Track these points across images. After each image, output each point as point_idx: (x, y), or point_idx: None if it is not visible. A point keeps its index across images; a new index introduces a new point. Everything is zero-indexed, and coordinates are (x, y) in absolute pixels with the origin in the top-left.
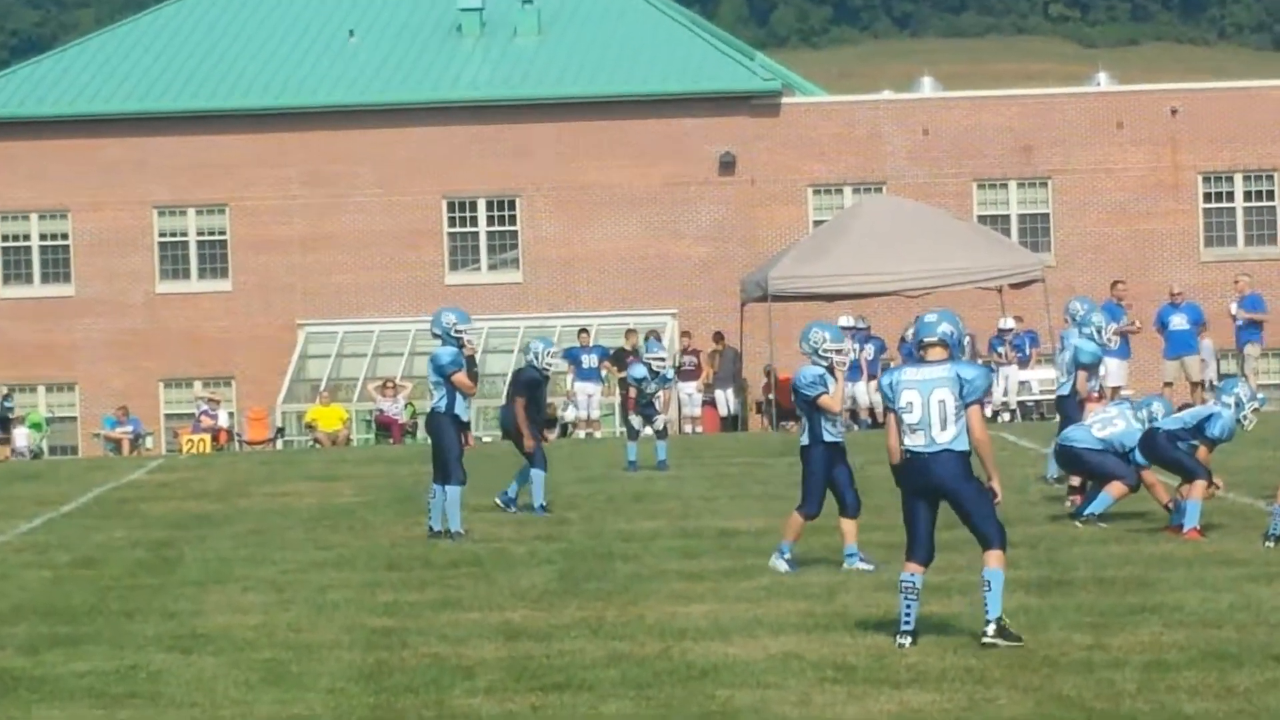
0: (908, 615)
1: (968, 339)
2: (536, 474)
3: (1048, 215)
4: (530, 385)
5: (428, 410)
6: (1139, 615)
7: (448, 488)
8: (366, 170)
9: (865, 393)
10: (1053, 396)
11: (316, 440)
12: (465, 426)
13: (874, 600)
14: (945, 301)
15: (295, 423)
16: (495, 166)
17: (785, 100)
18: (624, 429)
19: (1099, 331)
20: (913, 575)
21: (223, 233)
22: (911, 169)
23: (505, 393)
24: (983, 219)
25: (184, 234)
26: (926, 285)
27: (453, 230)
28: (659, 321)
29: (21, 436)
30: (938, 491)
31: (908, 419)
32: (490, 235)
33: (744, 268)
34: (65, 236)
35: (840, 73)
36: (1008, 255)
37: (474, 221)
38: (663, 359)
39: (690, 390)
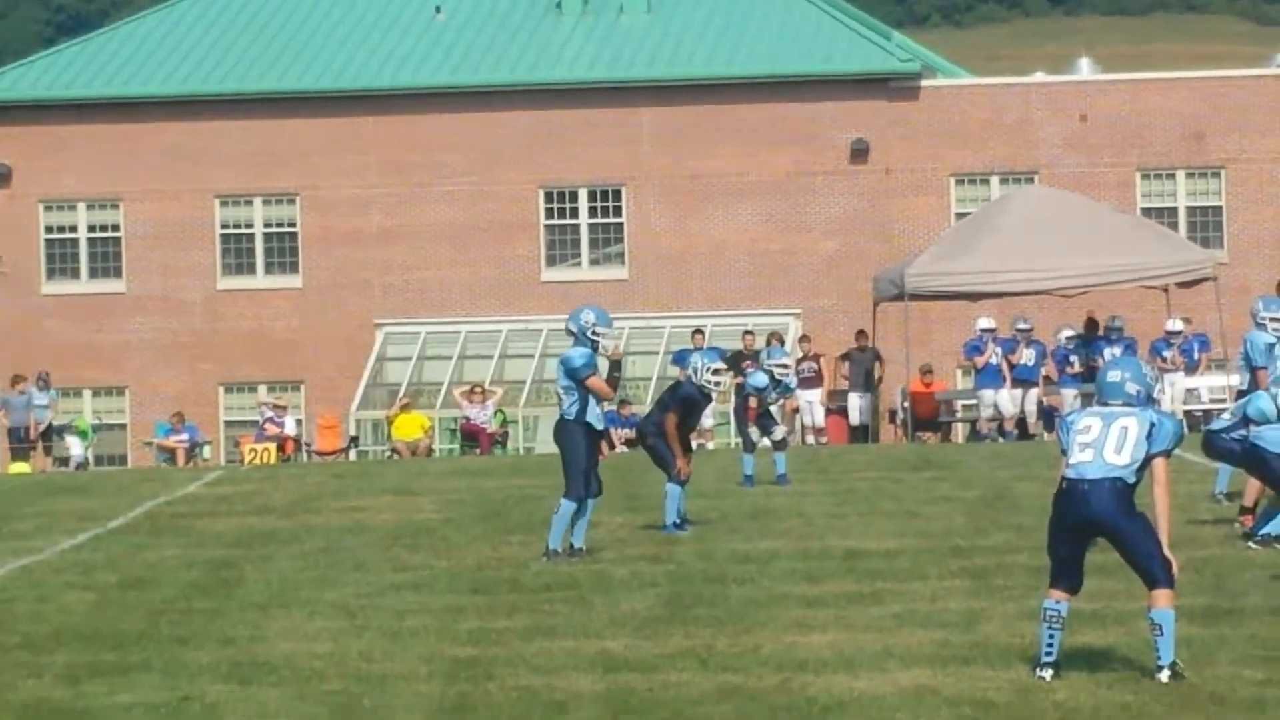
0: (1050, 645)
1: (1158, 387)
2: (673, 489)
3: (1220, 208)
4: (686, 403)
5: (556, 418)
6: None
7: (562, 500)
8: (454, 158)
9: (1009, 401)
10: (1224, 406)
11: (395, 450)
12: (600, 435)
13: (1019, 630)
14: (1105, 301)
15: (371, 431)
16: (598, 154)
17: (925, 83)
18: (739, 440)
19: (1274, 322)
20: (1057, 603)
21: (292, 224)
22: (1067, 157)
23: (656, 403)
24: (1147, 212)
25: (249, 225)
26: (1083, 284)
27: (550, 223)
28: (780, 322)
29: (75, 445)
30: (1096, 525)
31: (1081, 438)
32: (592, 228)
33: (877, 264)
34: (116, 228)
35: (988, 54)
36: (1175, 251)
37: (574, 213)
38: (786, 366)
39: (812, 398)
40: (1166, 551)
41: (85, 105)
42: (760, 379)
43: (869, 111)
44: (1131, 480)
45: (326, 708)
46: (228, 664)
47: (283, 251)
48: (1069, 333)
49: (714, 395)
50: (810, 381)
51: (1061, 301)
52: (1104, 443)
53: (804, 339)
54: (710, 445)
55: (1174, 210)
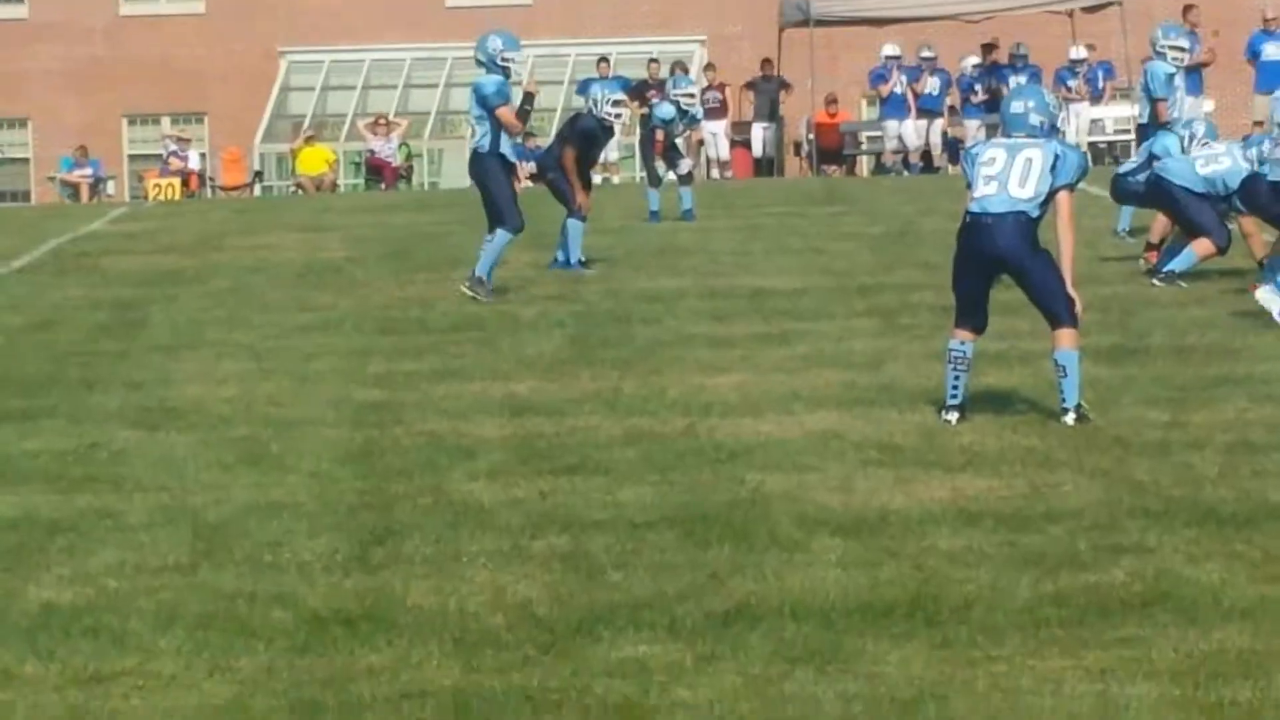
0: (955, 387)
1: (1062, 116)
2: (575, 225)
3: None
4: (586, 137)
5: (469, 151)
6: (1222, 388)
7: (500, 230)
8: None
9: (914, 133)
10: (1129, 137)
11: (299, 185)
12: (512, 167)
13: (927, 371)
14: (1009, 27)
15: (275, 165)
16: None
17: None
18: (644, 175)
19: (1174, 51)
20: (962, 344)
21: None
22: None
23: (555, 136)
24: None
25: None
26: (988, 8)
27: None
28: (685, 50)
29: None
30: (1000, 261)
31: (985, 170)
32: None
33: None
34: None
35: None
36: None
37: None
38: (692, 96)
39: (716, 130)
40: (1070, 289)
41: None
42: (666, 110)
43: None
44: (1035, 214)
45: (234, 453)
46: (135, 409)
47: None
48: (974, 60)
49: (615, 128)
50: (715, 112)
51: (967, 28)
52: (1008, 175)
53: (709, 67)
54: (615, 180)
55: None
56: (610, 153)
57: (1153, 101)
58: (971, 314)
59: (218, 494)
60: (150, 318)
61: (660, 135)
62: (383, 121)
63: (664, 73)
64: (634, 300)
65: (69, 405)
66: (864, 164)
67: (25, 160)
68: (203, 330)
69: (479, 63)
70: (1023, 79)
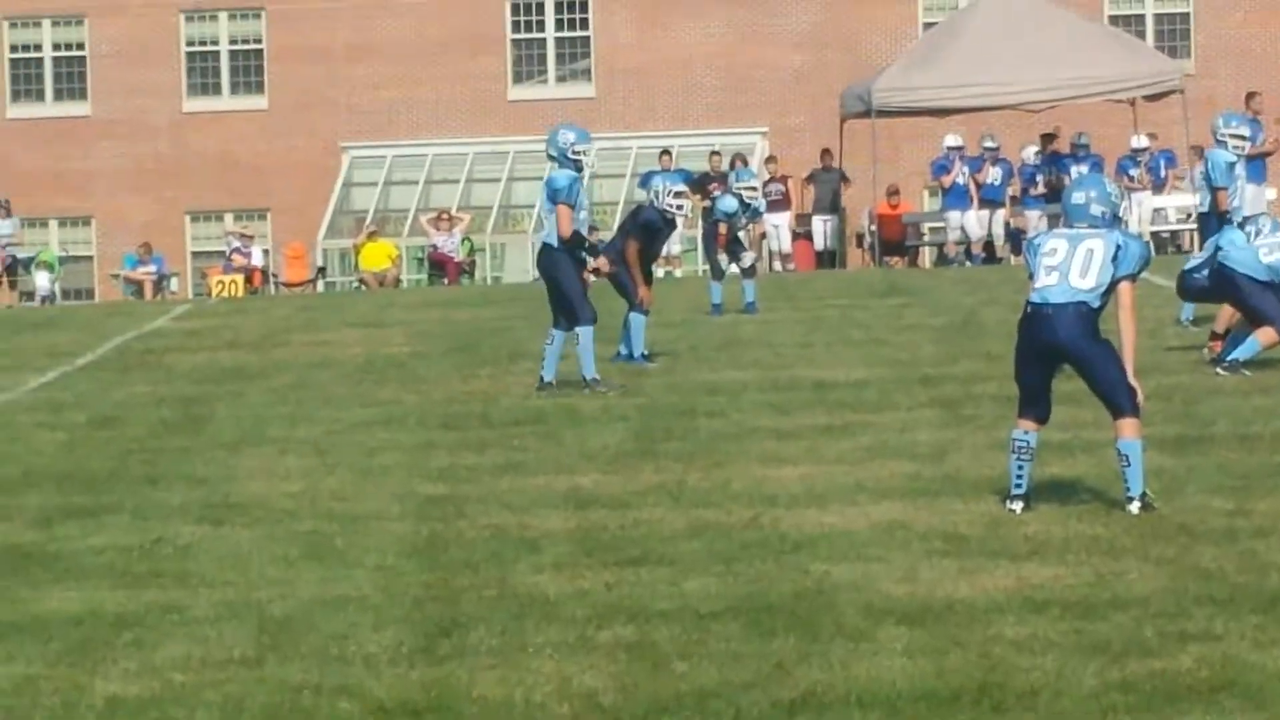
0: (1019, 477)
1: (1124, 205)
2: (637, 319)
3: (1188, 15)
4: (648, 229)
5: (539, 244)
6: None
7: (579, 329)
8: None
9: (976, 223)
10: (1192, 226)
11: (362, 281)
12: (582, 261)
13: (990, 461)
14: (1071, 116)
15: (339, 261)
16: None
17: None
18: (707, 268)
19: (1235, 139)
20: (1025, 434)
21: (258, 40)
22: None
23: (618, 229)
24: (1114, 20)
25: (215, 42)
26: (1049, 98)
27: (516, 36)
28: (747, 141)
29: (42, 278)
30: (1062, 351)
31: (1047, 261)
32: (559, 42)
33: (844, 78)
34: (81, 46)
35: None
36: (1143, 61)
37: (541, 26)
38: (754, 188)
39: (779, 222)
40: (1132, 379)
41: None
42: (729, 203)
43: None
44: (1097, 305)
45: (299, 548)
46: (199, 504)
47: (248, 70)
48: (1035, 150)
49: (678, 220)
50: (777, 204)
51: (1028, 118)
52: (1069, 266)
53: (770, 159)
54: (678, 273)
55: (1141, 18)
56: (673, 246)
57: (1213, 190)
58: (1035, 404)
59: (283, 588)
60: (214, 414)
61: (723, 228)
62: (445, 216)
63: (726, 165)
64: (697, 393)
65: (134, 501)
66: (926, 255)
67: (89, 258)
68: (266, 426)
69: (550, 157)
70: (1084, 168)
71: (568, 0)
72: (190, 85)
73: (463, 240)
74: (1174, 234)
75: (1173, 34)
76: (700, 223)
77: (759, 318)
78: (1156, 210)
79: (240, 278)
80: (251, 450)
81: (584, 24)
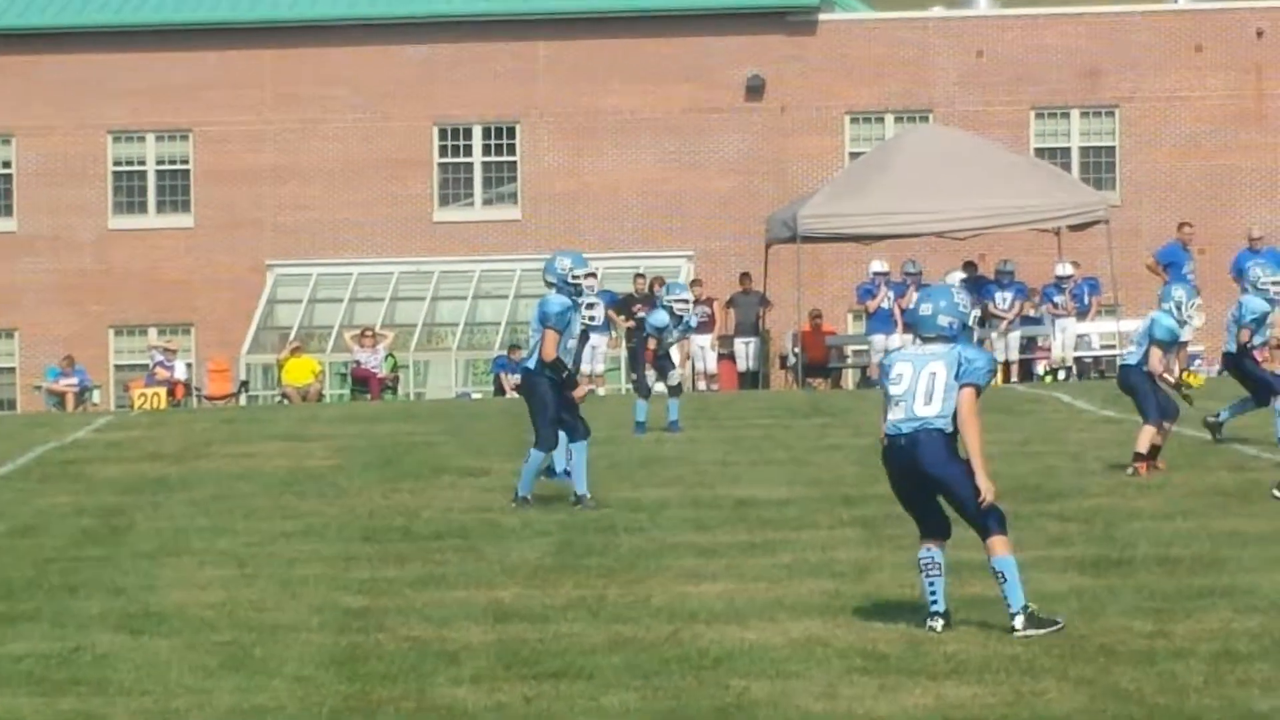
0: (933, 594)
1: (975, 314)
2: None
3: (1114, 149)
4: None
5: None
6: (1206, 599)
7: (532, 450)
8: (346, 92)
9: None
10: (1114, 352)
11: (285, 395)
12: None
13: (911, 580)
14: (998, 245)
15: (262, 375)
16: (492, 89)
17: (822, 17)
18: (631, 385)
19: (1178, 308)
20: (929, 550)
21: (185, 161)
22: (962, 95)
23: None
24: (1040, 152)
25: (142, 162)
26: (975, 226)
27: (444, 160)
28: (673, 265)
29: None
30: (922, 476)
31: (893, 390)
32: (486, 166)
33: (772, 204)
34: (8, 165)
35: None
36: (1068, 193)
37: (468, 151)
38: (686, 301)
39: (703, 343)
40: (981, 480)
41: None
42: (660, 317)
43: (765, 46)
44: (949, 429)
45: (217, 658)
46: (118, 614)
47: (174, 190)
48: (961, 275)
49: (590, 332)
50: (703, 326)
51: (954, 244)
52: (914, 394)
53: (695, 282)
54: (601, 391)
55: (1067, 150)
56: (597, 364)
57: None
58: (929, 525)
59: (201, 698)
60: (134, 524)
61: (652, 344)
62: (369, 333)
63: (648, 287)
64: (619, 509)
65: (52, 609)
66: (850, 376)
67: (11, 369)
68: (187, 537)
69: (549, 283)
70: (1009, 295)
71: (495, 126)
72: (116, 204)
73: (386, 356)
74: (1097, 359)
75: (1098, 166)
76: (624, 342)
77: (682, 436)
78: (1080, 336)
79: (163, 390)
80: (171, 560)
81: (511, 149)
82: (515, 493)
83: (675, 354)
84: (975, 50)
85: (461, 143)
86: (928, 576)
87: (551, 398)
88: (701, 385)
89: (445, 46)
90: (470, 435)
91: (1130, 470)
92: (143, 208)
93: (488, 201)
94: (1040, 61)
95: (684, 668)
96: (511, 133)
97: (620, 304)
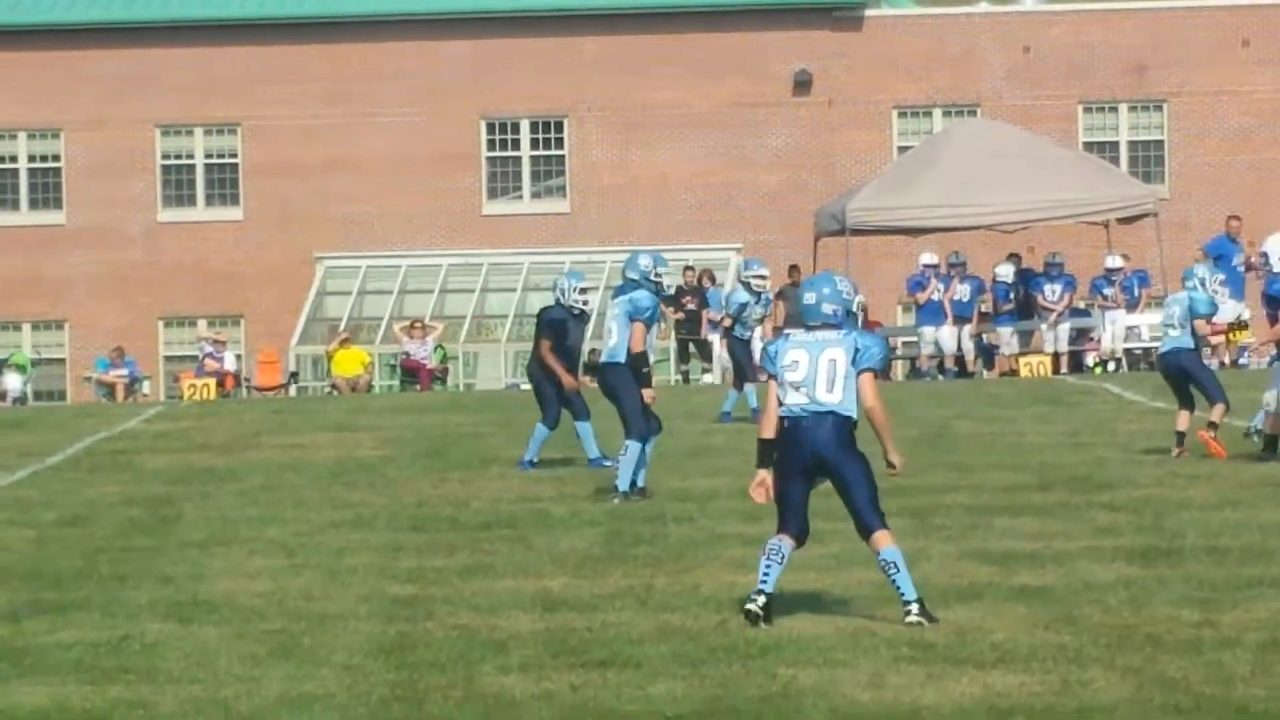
0: (765, 576)
1: (858, 301)
2: (583, 426)
3: (1162, 142)
4: (554, 325)
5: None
6: (1255, 589)
7: (628, 441)
8: (395, 87)
9: (951, 339)
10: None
11: (334, 386)
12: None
13: (959, 570)
14: (1045, 237)
15: (311, 367)
16: (540, 84)
17: (869, 12)
18: (694, 372)
19: (1202, 284)
20: (780, 542)
21: (233, 155)
22: (1010, 90)
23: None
24: (1089, 146)
25: (190, 156)
26: (1024, 219)
27: (492, 154)
28: (721, 258)
29: (13, 380)
30: (819, 460)
31: (790, 377)
32: (534, 160)
33: (819, 198)
34: (57, 159)
35: None
36: (1116, 186)
37: (516, 145)
38: (764, 276)
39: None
40: (894, 454)
41: (24, 32)
42: (741, 295)
43: (812, 41)
44: (854, 416)
45: (266, 646)
46: (167, 602)
47: (223, 183)
48: (1011, 267)
49: (587, 315)
50: None
51: (1003, 237)
52: (814, 380)
53: None
54: None
55: (1115, 145)
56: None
57: None
58: (794, 519)
59: (249, 686)
60: (183, 514)
61: (727, 322)
62: (418, 325)
63: (697, 280)
64: (667, 499)
65: (102, 598)
66: (899, 368)
67: (62, 360)
68: (236, 527)
69: (631, 280)
70: (1058, 287)
71: (543, 120)
72: (165, 197)
73: (435, 348)
74: (1147, 351)
75: (1147, 160)
76: (673, 334)
77: (732, 426)
78: (1130, 328)
79: (212, 381)
80: (220, 550)
81: (559, 143)
82: (615, 487)
83: (756, 344)
84: (1022, 45)
85: (510, 136)
86: (768, 559)
87: (636, 389)
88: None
89: (493, 41)
90: (519, 426)
91: (1174, 452)
92: (191, 200)
93: (536, 195)
94: (1088, 56)
95: (731, 656)
96: (560, 127)
97: (670, 297)
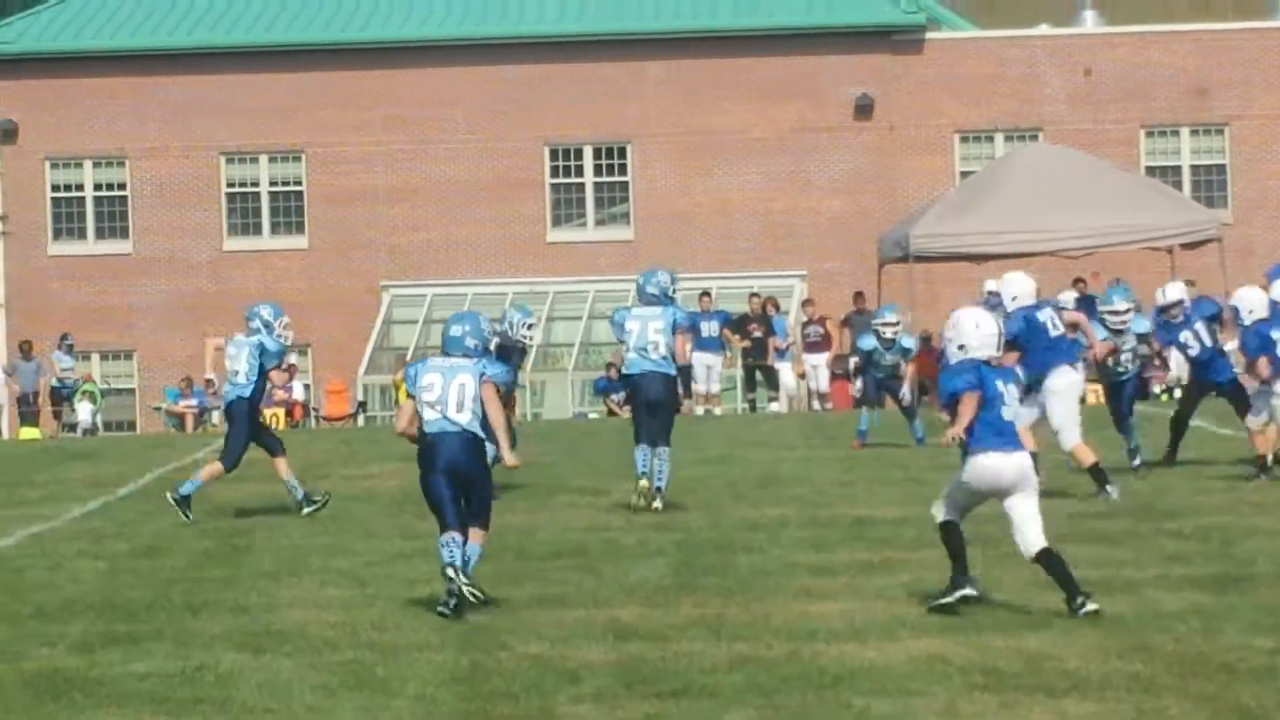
0: (450, 559)
1: (491, 330)
2: None
3: (1224, 166)
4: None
5: (649, 370)
6: None
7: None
8: (459, 113)
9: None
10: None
11: None
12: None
13: (1030, 596)
14: (1108, 263)
15: (379, 396)
16: (603, 110)
17: (929, 36)
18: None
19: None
20: (455, 537)
21: (298, 182)
22: (1071, 114)
23: None
24: (1151, 170)
25: (255, 184)
26: (1087, 245)
27: (555, 181)
28: (786, 285)
29: (84, 410)
30: (458, 473)
31: (426, 397)
32: (598, 187)
33: (881, 224)
34: (123, 186)
35: (989, 4)
36: (1180, 211)
37: (579, 171)
38: (894, 324)
39: (817, 363)
40: (506, 452)
41: (91, 58)
42: (868, 341)
43: (873, 65)
44: (482, 434)
45: (339, 677)
46: (240, 633)
47: (288, 210)
48: (1073, 295)
49: (529, 349)
50: (816, 345)
51: (1066, 262)
52: (446, 401)
53: (808, 302)
54: (718, 411)
55: (1178, 169)
56: (712, 385)
57: None
58: (453, 514)
59: (323, 716)
60: (254, 544)
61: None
62: None
63: (766, 306)
64: (736, 529)
65: (175, 629)
66: None
67: (131, 390)
68: (306, 557)
69: (652, 296)
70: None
71: (606, 147)
72: (230, 225)
73: None
74: None
75: (1209, 184)
76: (739, 361)
77: (798, 455)
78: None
79: (281, 411)
80: (292, 580)
81: (622, 169)
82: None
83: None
84: (1083, 68)
85: (573, 163)
86: (447, 550)
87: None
88: (816, 405)
89: (555, 66)
90: (586, 455)
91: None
92: (257, 229)
93: (600, 222)
94: (1149, 79)
95: (805, 686)
96: (623, 153)
97: (735, 324)
